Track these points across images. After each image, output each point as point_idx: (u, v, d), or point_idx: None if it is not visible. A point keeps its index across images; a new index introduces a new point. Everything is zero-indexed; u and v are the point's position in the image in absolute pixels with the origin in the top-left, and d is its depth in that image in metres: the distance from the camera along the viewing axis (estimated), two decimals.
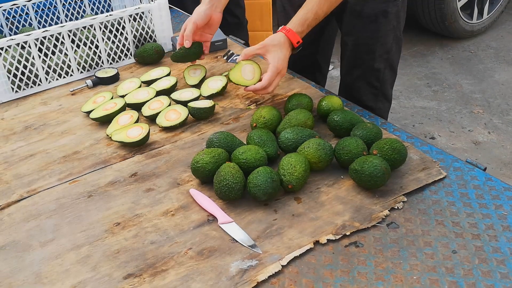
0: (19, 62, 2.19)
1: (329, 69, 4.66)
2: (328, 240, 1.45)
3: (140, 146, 1.89)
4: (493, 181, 1.64)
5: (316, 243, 1.45)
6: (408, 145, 1.79)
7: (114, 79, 2.33)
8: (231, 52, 2.53)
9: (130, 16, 2.43)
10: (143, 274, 1.38)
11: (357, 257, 1.40)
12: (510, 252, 1.39)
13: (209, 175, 1.65)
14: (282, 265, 1.38)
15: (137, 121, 1.98)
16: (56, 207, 1.63)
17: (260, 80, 2.00)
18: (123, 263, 1.42)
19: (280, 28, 2.03)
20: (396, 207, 1.55)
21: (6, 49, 2.16)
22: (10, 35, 2.57)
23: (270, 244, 1.45)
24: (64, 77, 2.33)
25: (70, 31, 2.28)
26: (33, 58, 2.22)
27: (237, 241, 1.47)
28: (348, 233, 1.47)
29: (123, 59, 2.48)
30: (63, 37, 2.27)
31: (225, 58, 2.50)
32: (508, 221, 1.49)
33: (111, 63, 2.44)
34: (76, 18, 2.76)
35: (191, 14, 2.26)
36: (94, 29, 2.34)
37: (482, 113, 4.13)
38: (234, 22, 4.07)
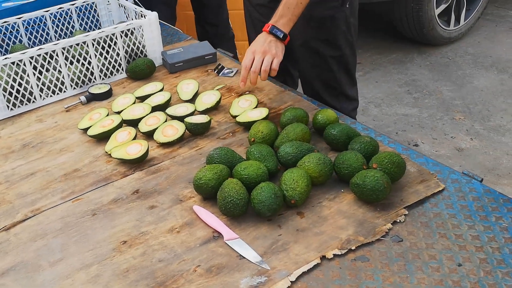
0: (14, 80, 2.20)
1: None
2: (334, 255, 1.48)
3: (139, 162, 1.91)
4: (491, 193, 1.68)
5: (323, 258, 1.47)
6: (404, 157, 1.82)
7: (107, 94, 2.35)
8: (221, 65, 2.56)
9: (122, 32, 2.45)
10: None
11: (364, 271, 1.43)
12: None
13: (212, 191, 1.67)
14: (291, 281, 1.41)
15: (135, 138, 1.99)
16: (62, 226, 1.65)
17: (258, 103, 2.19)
18: (134, 282, 1.44)
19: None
20: (398, 220, 1.59)
21: (2, 68, 2.17)
22: (1, 52, 2.56)
23: (277, 260, 1.47)
24: (57, 93, 2.34)
25: (63, 48, 2.29)
26: (28, 75, 2.23)
27: (244, 258, 1.49)
28: (353, 248, 1.50)
29: (115, 74, 2.50)
30: (56, 54, 2.28)
31: (215, 71, 2.53)
32: (510, 232, 1.53)
33: (103, 79, 2.46)
34: (65, 34, 2.77)
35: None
36: (87, 45, 2.35)
37: (464, 120, 4.19)
38: (214, 32, 4.11)
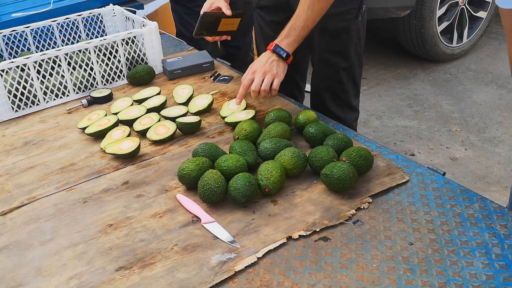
0: (18, 83, 2.36)
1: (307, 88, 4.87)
2: (300, 235, 1.62)
3: (131, 157, 2.06)
4: (451, 184, 1.81)
5: (289, 238, 1.61)
6: (376, 154, 1.96)
7: (108, 98, 2.50)
8: (218, 73, 2.71)
9: (123, 40, 2.61)
10: (133, 266, 1.55)
11: (325, 249, 1.57)
12: (460, 243, 1.56)
13: (194, 181, 1.82)
14: (257, 257, 1.55)
15: (129, 136, 2.14)
16: (54, 212, 1.80)
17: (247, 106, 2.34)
18: (115, 258, 1.58)
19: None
20: (362, 207, 1.72)
21: (7, 71, 2.34)
22: (10, 59, 2.73)
23: (248, 240, 1.61)
24: (61, 97, 2.50)
25: (66, 54, 2.46)
26: (32, 79, 2.39)
27: (218, 238, 1.63)
28: (318, 230, 1.63)
29: (117, 80, 2.66)
30: (60, 60, 2.44)
31: (212, 78, 2.68)
32: (461, 217, 1.66)
33: (105, 84, 2.62)
34: (72, 43, 2.93)
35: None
36: (89, 52, 2.51)
37: (460, 131, 4.31)
38: (235, 53, 4.21)
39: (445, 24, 5.27)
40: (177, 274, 1.51)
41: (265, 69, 2.19)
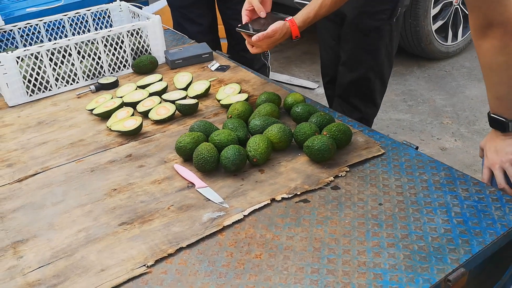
0: (33, 70, 2.57)
1: (314, 87, 5.07)
2: (282, 198, 1.82)
3: (134, 134, 2.26)
4: (422, 156, 2.02)
5: (273, 200, 1.82)
6: (356, 132, 2.16)
7: (114, 85, 2.71)
8: (216, 63, 2.92)
9: (128, 31, 2.82)
10: (134, 222, 1.76)
11: (304, 209, 1.77)
12: (425, 203, 1.76)
13: (189, 153, 2.02)
14: (244, 215, 1.76)
15: (132, 115, 2.35)
16: (65, 179, 2.01)
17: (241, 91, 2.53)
18: (118, 215, 1.79)
19: (289, 18, 2.38)
20: (340, 175, 1.93)
21: (22, 59, 2.55)
22: None
23: (236, 202, 1.82)
24: (71, 83, 2.71)
25: (76, 44, 2.67)
26: (45, 67, 2.61)
27: (209, 200, 1.84)
28: (298, 193, 1.84)
29: (122, 69, 2.87)
30: (70, 49, 2.65)
31: (210, 67, 2.89)
32: (428, 183, 1.86)
33: (111, 72, 2.83)
34: None
35: None
36: (97, 42, 2.73)
37: (451, 124, 4.51)
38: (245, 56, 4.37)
39: (439, 23, 5.46)
40: (173, 228, 1.72)
41: (276, 35, 2.32)
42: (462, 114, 4.66)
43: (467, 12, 5.54)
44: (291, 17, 2.39)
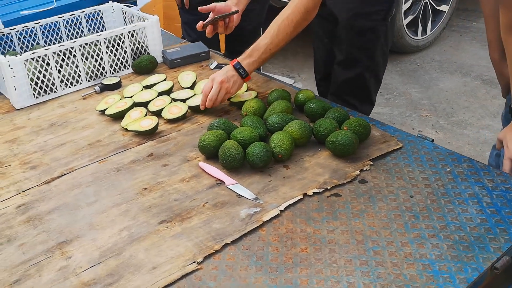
0: (39, 72, 2.58)
1: (291, 83, 5.12)
2: (314, 192, 1.88)
3: (151, 134, 2.29)
4: (439, 149, 2.09)
5: (305, 195, 1.87)
6: (371, 126, 2.23)
7: (117, 85, 2.73)
8: (215, 61, 2.96)
9: (129, 32, 2.84)
10: (173, 220, 1.79)
11: (338, 203, 1.83)
12: (455, 195, 1.83)
13: (213, 151, 2.06)
14: (280, 210, 1.80)
15: (145, 115, 2.38)
16: (93, 179, 2.03)
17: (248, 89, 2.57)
18: (156, 214, 1.82)
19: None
20: (364, 169, 1.99)
21: (30, 61, 2.55)
22: (21, 53, 2.94)
23: (269, 197, 1.87)
24: (75, 85, 2.72)
25: (80, 45, 2.68)
26: (51, 69, 2.61)
27: (242, 196, 1.88)
28: (329, 187, 1.90)
29: (123, 70, 2.88)
30: (75, 51, 2.66)
31: (209, 65, 2.92)
32: (452, 175, 1.94)
33: (113, 73, 2.84)
34: (75, 37, 3.14)
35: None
36: (100, 44, 2.74)
37: (430, 116, 4.63)
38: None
39: (410, 18, 5.58)
40: (213, 225, 1.75)
41: (222, 79, 2.34)
42: (439, 106, 4.78)
43: (436, 7, 5.77)
44: None
